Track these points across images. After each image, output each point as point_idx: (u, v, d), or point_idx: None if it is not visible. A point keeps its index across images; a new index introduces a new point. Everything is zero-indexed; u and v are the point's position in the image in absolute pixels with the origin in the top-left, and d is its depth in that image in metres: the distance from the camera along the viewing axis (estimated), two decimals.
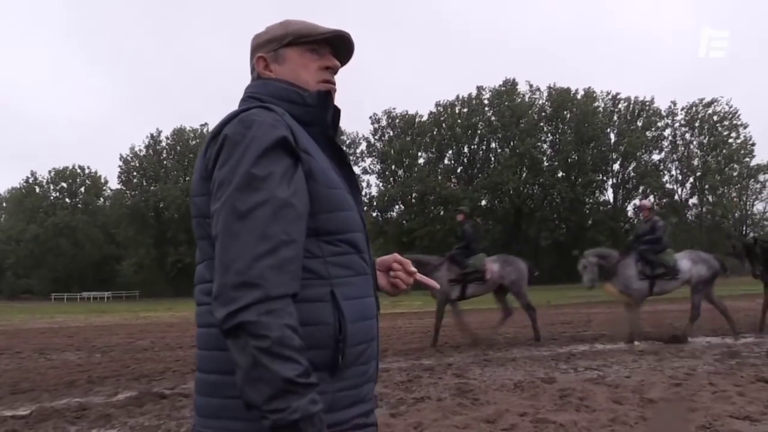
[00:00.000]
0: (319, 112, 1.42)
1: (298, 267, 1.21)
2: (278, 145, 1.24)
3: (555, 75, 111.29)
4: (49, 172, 69.70)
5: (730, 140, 57.11)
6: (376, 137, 62.45)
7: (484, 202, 58.68)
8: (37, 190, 69.03)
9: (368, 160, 62.62)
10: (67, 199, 69.29)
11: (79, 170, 70.26)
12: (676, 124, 58.99)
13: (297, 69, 1.46)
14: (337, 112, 1.47)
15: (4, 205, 74.26)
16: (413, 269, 1.60)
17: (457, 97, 60.65)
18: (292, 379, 1.09)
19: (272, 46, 1.48)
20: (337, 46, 1.52)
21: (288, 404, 1.09)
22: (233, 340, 1.13)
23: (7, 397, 6.76)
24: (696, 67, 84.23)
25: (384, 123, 62.27)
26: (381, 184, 61.99)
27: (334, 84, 1.50)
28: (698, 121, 57.93)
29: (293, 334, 1.14)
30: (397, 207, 61.09)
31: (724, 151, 56.85)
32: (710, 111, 57.63)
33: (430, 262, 10.93)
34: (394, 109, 62.06)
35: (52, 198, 68.79)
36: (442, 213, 56.86)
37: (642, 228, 11.40)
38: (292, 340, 1.13)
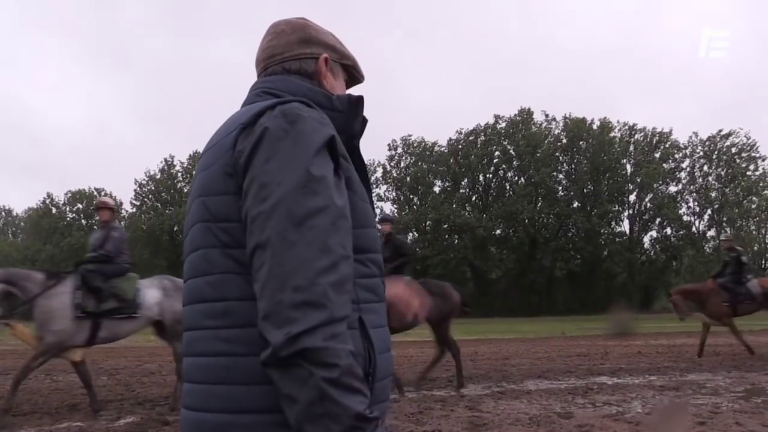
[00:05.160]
0: (349, 119, 1.25)
1: (352, 287, 1.07)
2: (326, 146, 1.08)
3: (571, 105, 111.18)
4: (65, 194, 70.52)
5: (749, 173, 56.54)
6: (392, 164, 62.61)
7: (498, 231, 58.35)
8: (54, 211, 69.68)
9: (383, 187, 62.71)
10: (83, 221, 69.88)
11: (95, 192, 71.00)
12: (695, 156, 58.63)
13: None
14: (364, 121, 1.31)
15: (22, 225, 75.08)
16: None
17: (478, 125, 60.83)
18: (362, 414, 0.96)
19: (334, 55, 1.36)
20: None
21: None
22: (288, 369, 0.96)
23: (7, 420, 6.61)
24: (715, 100, 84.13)
25: (400, 150, 62.46)
26: (395, 211, 61.93)
27: None
28: (716, 153, 57.53)
29: (355, 362, 1.00)
30: (411, 234, 60.93)
31: (742, 183, 56.29)
32: (728, 143, 57.26)
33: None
34: (410, 136, 62.30)
35: (68, 219, 69.36)
36: (456, 241, 56.59)
37: (94, 237, 7.84)
38: (357, 369, 1.00)
